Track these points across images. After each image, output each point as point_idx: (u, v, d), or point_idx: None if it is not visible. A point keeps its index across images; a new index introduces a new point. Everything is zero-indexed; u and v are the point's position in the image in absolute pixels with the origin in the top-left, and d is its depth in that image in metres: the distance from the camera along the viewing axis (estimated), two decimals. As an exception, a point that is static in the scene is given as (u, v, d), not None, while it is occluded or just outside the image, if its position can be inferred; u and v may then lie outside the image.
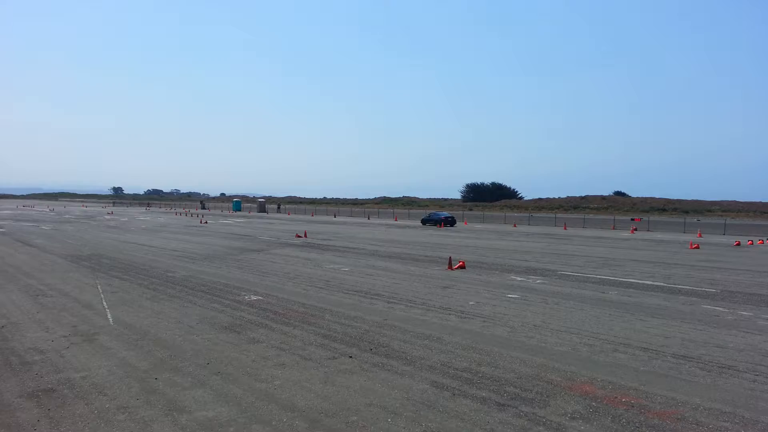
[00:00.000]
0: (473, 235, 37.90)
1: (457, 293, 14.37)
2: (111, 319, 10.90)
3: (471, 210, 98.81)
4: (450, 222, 51.13)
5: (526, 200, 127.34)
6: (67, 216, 60.90)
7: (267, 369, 7.88)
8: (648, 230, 46.87)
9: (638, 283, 16.44)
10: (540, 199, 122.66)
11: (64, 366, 7.93)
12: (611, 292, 14.66)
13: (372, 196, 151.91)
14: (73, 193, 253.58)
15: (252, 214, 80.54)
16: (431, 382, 7.38)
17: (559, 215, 76.13)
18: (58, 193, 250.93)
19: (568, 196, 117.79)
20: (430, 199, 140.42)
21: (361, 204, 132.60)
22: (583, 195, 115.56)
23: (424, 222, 53.96)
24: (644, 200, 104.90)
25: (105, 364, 8.03)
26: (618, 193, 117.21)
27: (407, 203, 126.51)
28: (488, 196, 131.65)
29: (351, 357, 8.52)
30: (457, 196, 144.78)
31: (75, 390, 6.95)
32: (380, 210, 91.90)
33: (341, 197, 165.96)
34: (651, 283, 16.43)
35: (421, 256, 23.56)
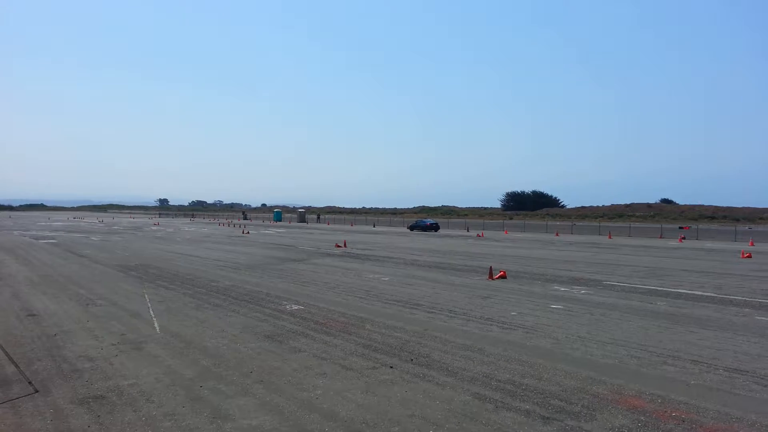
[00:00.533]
0: (514, 245, 37.43)
1: (499, 303, 14.19)
2: (158, 328, 11.19)
3: (511, 219, 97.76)
4: (434, 228, 59.48)
5: (568, 209, 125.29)
6: (115, 227, 62.97)
7: (309, 378, 7.94)
8: (697, 239, 45.37)
9: (688, 293, 15.90)
10: (583, 207, 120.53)
11: (113, 373, 8.17)
12: (659, 303, 14.22)
13: (411, 206, 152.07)
14: (122, 205, 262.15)
15: (292, 224, 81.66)
16: (473, 393, 7.30)
17: (603, 224, 74.50)
18: (107, 204, 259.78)
19: (612, 204, 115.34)
20: (469, 208, 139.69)
21: (400, 213, 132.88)
22: (628, 203, 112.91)
23: (411, 228, 61.20)
24: (692, 208, 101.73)
25: (152, 372, 8.24)
26: (665, 201, 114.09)
27: (446, 213, 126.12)
28: (529, 205, 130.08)
29: (392, 367, 8.50)
30: (498, 205, 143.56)
31: (123, 397, 7.15)
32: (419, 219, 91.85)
33: (380, 207, 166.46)
34: (701, 293, 15.87)
35: (461, 265, 23.40)
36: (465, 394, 7.28)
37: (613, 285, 17.61)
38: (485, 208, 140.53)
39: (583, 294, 15.77)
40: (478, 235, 49.06)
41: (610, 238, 46.33)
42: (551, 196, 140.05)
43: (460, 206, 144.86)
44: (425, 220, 68.00)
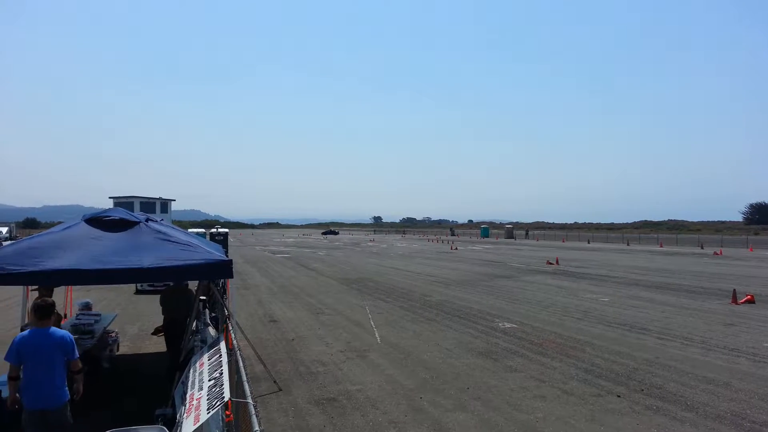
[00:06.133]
0: (762, 264, 32.13)
1: (746, 332, 12.24)
2: (378, 338, 11.87)
3: (757, 234, 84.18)
4: (333, 233, 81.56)
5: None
6: (337, 243, 68.85)
7: (527, 400, 7.69)
8: None
9: None
10: None
11: (342, 378, 8.86)
12: None
13: (630, 220, 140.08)
14: (342, 222, 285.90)
15: (499, 240, 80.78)
16: (721, 435, 6.35)
17: None
18: (330, 222, 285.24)
19: None
20: (701, 222, 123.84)
21: (618, 229, 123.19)
22: None
23: (324, 234, 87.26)
24: None
25: (376, 380, 8.74)
26: None
27: (673, 227, 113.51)
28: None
29: (619, 396, 7.82)
30: (738, 218, 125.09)
31: (352, 401, 7.69)
32: (641, 235, 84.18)
33: (593, 222, 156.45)
34: None
35: (694, 287, 20.76)
36: (711, 434, 6.37)
37: None
38: (723, 222, 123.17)
39: None
40: (716, 253, 43.14)
41: None
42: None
43: (690, 220, 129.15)
44: (332, 229, 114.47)
